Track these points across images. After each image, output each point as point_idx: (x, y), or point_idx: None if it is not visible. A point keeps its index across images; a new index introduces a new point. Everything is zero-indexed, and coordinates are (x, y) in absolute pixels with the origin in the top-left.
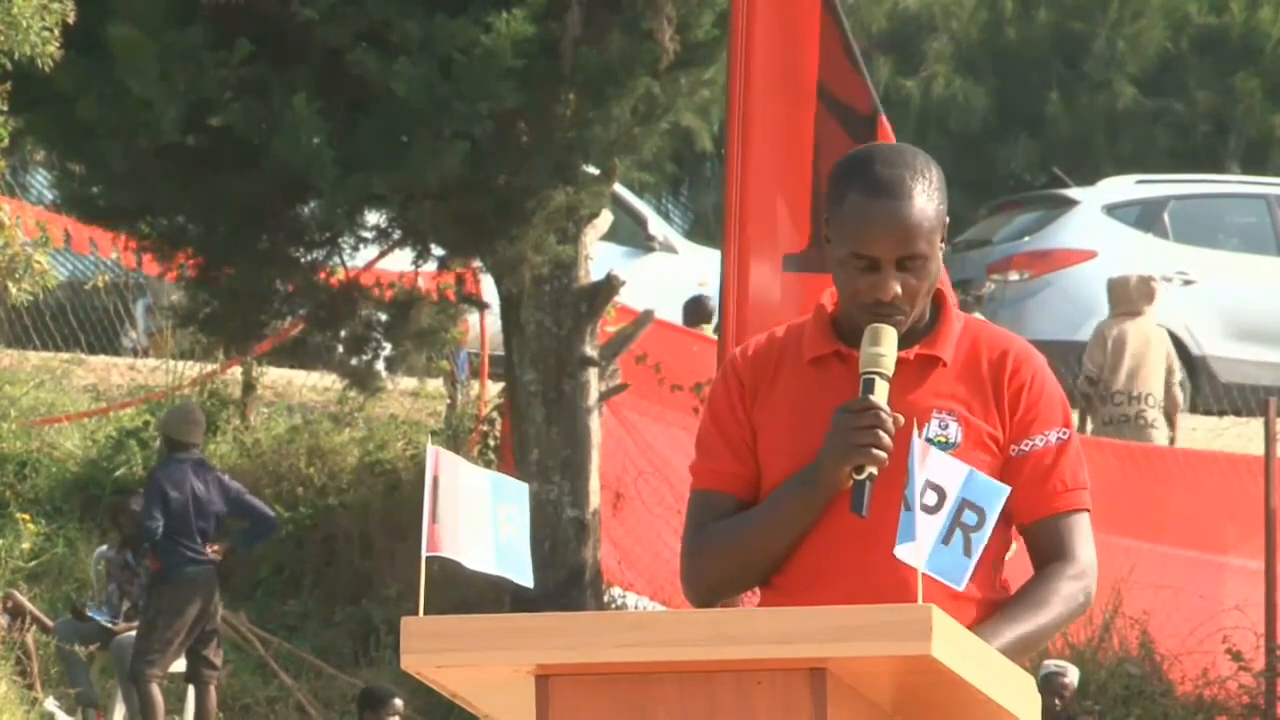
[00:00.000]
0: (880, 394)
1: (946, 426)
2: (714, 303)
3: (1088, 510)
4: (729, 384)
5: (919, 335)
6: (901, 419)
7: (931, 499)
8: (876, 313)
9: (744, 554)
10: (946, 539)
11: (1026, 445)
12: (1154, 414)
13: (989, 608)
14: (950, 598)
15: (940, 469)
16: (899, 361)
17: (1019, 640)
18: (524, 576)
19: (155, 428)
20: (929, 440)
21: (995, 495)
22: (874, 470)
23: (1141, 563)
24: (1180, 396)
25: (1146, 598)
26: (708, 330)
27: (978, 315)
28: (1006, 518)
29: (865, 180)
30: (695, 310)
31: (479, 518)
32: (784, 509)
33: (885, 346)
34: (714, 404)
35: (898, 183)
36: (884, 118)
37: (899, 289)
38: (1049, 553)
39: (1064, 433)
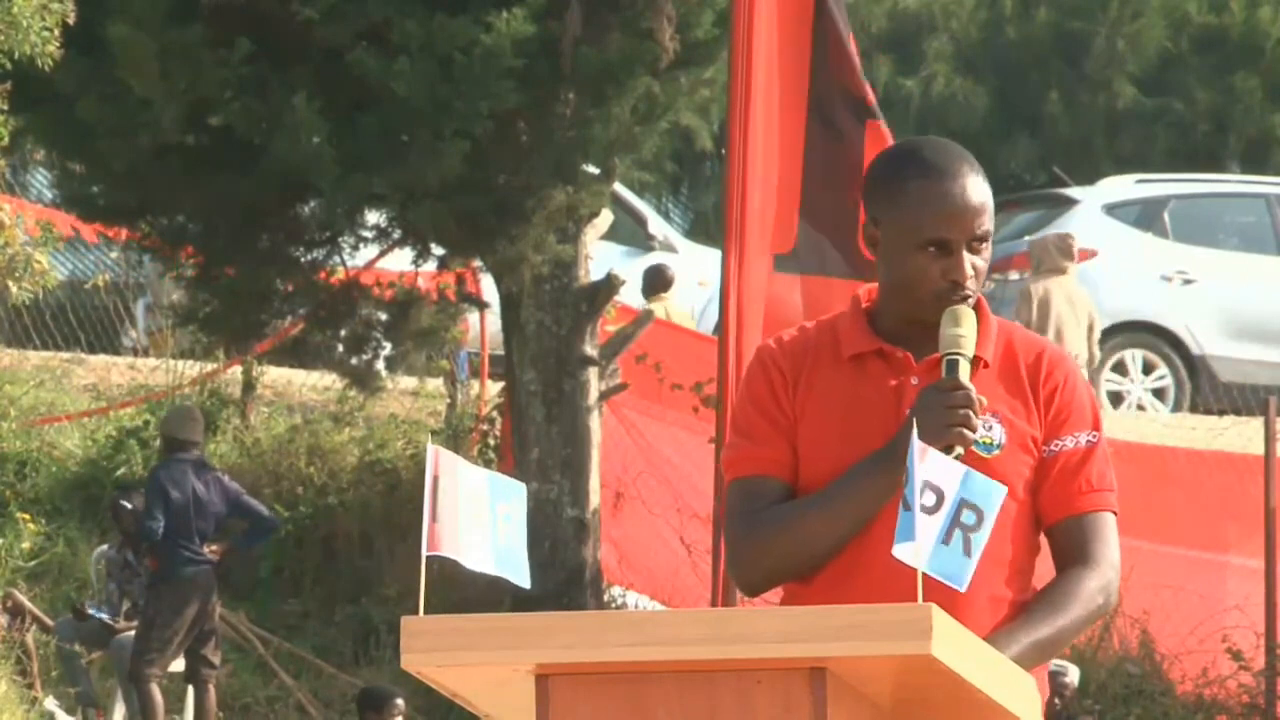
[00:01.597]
0: (964, 374)
1: (991, 428)
2: (673, 272)
3: (1114, 511)
4: (769, 373)
5: None
6: (985, 400)
7: (930, 499)
8: (951, 297)
9: (808, 539)
10: (946, 539)
11: (1056, 446)
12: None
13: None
14: (990, 600)
15: (937, 469)
16: (941, 363)
17: (1035, 645)
18: (521, 577)
19: (156, 427)
20: (975, 442)
21: (993, 495)
22: (962, 450)
23: (1142, 562)
24: (1098, 353)
25: (1147, 597)
26: (662, 301)
27: None
28: (1035, 520)
29: (922, 167)
30: (654, 279)
31: (478, 518)
32: (857, 492)
33: (965, 328)
34: (754, 391)
35: (956, 165)
36: (881, 121)
37: (971, 270)
38: (1071, 553)
39: (1093, 435)
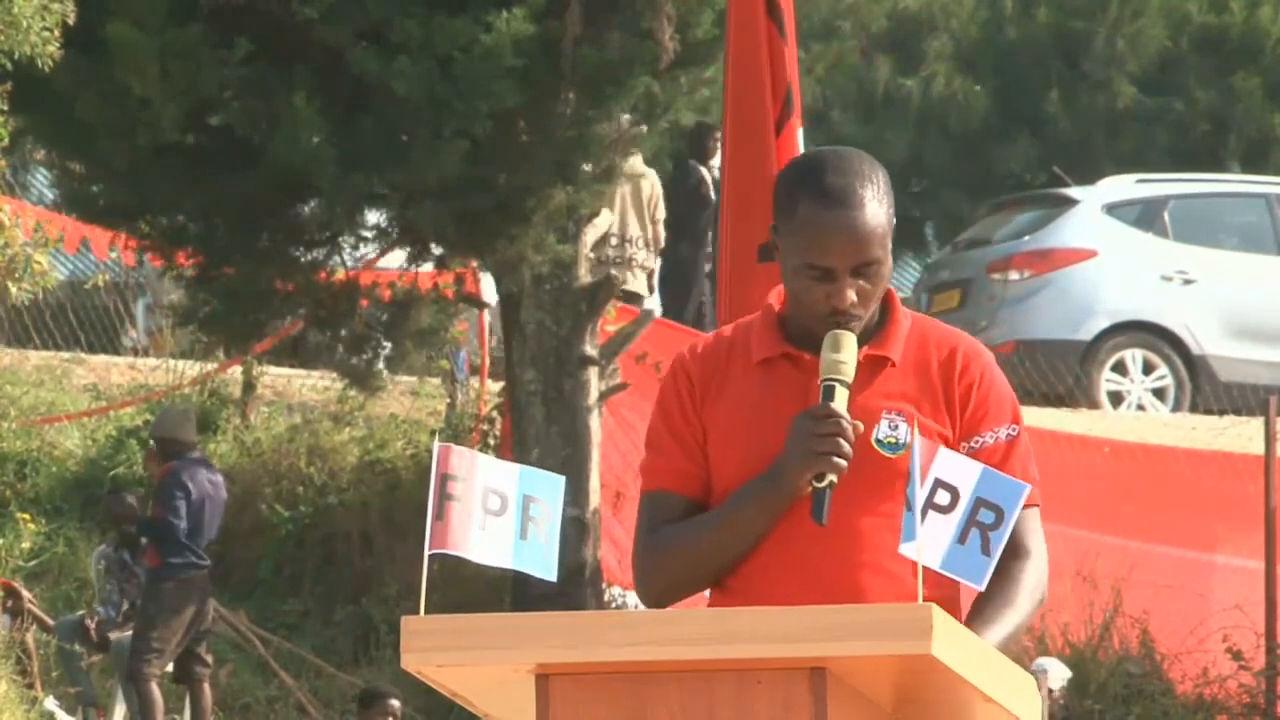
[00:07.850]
0: (840, 401)
1: (896, 427)
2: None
3: (1038, 505)
4: (678, 383)
5: (868, 335)
6: (861, 426)
7: (944, 498)
8: (833, 320)
9: (699, 557)
10: (962, 538)
11: (976, 442)
12: (642, 254)
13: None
14: (898, 597)
15: (951, 468)
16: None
17: (1002, 643)
18: (547, 570)
19: (152, 430)
20: (878, 442)
21: (1014, 493)
22: (834, 478)
23: (1141, 562)
24: (662, 235)
25: (1146, 597)
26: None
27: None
28: None
29: (816, 190)
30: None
31: (500, 513)
32: (741, 514)
33: (845, 354)
34: (664, 403)
35: (849, 191)
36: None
37: (854, 296)
38: (1005, 548)
39: (1013, 429)
